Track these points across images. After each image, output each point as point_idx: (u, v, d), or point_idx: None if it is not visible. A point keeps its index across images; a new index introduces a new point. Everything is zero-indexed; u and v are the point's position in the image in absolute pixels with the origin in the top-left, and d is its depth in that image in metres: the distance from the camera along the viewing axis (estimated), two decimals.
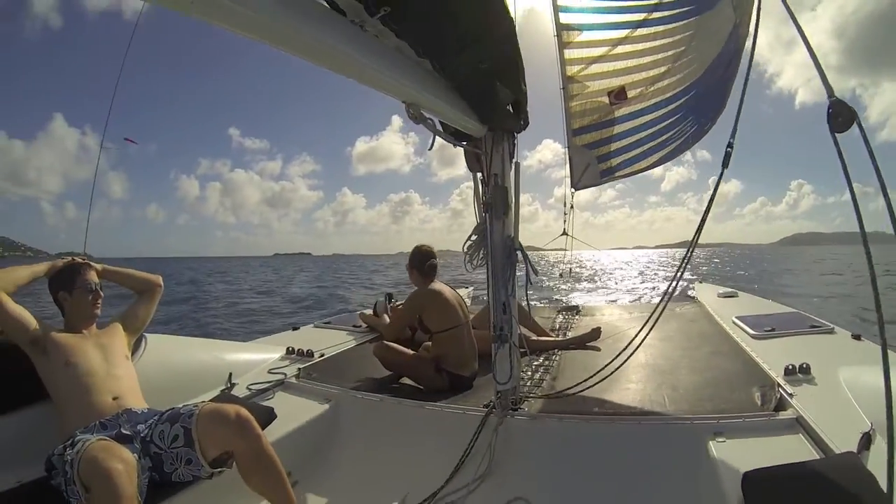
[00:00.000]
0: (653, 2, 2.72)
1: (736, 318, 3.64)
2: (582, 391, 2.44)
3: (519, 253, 2.30)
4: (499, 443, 2.18)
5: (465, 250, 2.39)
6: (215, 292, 24.30)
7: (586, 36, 3.01)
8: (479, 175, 2.36)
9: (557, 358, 3.41)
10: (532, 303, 3.57)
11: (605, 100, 3.26)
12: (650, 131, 3.36)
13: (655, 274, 37.11)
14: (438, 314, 3.07)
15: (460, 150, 2.35)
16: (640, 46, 2.92)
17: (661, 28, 2.76)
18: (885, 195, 1.16)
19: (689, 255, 2.11)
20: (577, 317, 5.03)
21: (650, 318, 2.19)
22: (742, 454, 1.77)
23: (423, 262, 3.22)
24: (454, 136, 2.20)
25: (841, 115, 1.23)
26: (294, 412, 2.49)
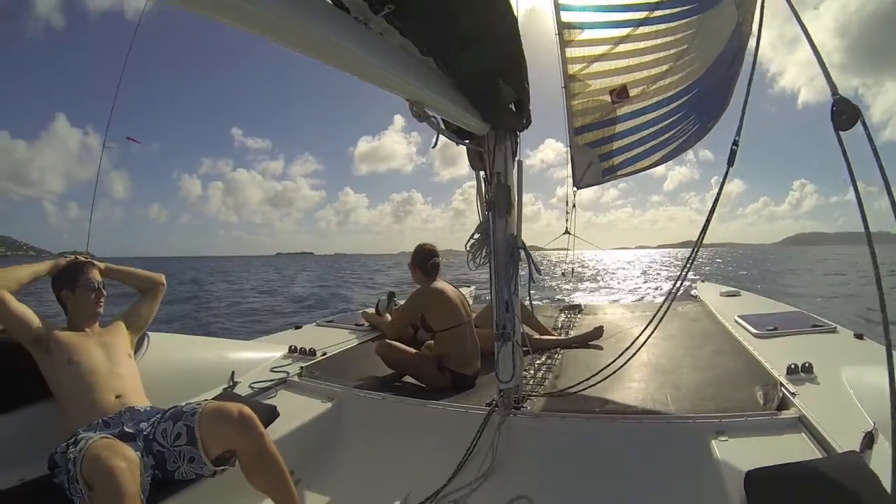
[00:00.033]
0: (654, 0, 2.71)
1: (738, 317, 3.64)
2: (585, 390, 2.44)
3: (522, 251, 2.31)
4: (501, 441, 2.18)
5: (468, 249, 2.39)
6: (217, 292, 24.30)
7: (588, 34, 3.01)
8: (481, 173, 2.36)
9: (560, 357, 3.41)
10: (534, 302, 3.57)
11: (607, 98, 3.26)
12: (652, 130, 3.36)
13: (658, 274, 37.06)
14: (441, 313, 3.07)
15: (462, 150, 2.35)
16: (641, 45, 2.92)
17: (662, 26, 2.75)
18: (890, 194, 1.16)
19: (693, 254, 2.11)
20: (579, 316, 5.04)
21: (654, 317, 2.18)
22: (744, 453, 1.77)
23: (425, 260, 3.22)
24: (457, 134, 2.20)
25: (845, 112, 1.23)
26: (296, 411, 2.49)
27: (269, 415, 2.26)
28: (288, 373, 2.94)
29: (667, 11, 2.66)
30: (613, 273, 39.06)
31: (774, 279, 27.82)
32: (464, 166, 2.43)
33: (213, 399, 2.10)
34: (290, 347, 3.37)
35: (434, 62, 1.80)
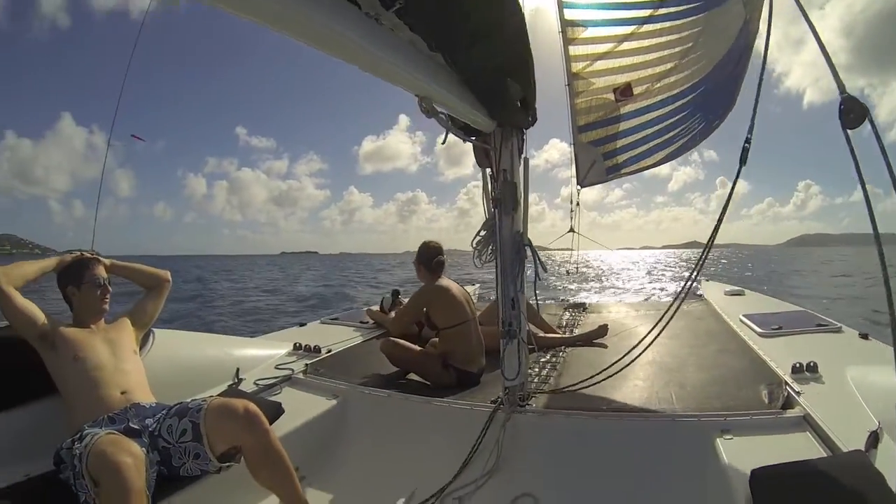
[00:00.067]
0: None
1: (743, 316, 3.63)
2: (589, 387, 2.44)
3: (528, 249, 2.31)
4: (506, 439, 2.19)
5: (474, 246, 2.39)
6: (221, 290, 24.34)
7: (591, 32, 2.99)
8: (488, 171, 2.37)
9: (564, 355, 3.41)
10: (539, 300, 3.58)
11: (611, 96, 3.24)
12: (656, 128, 3.34)
13: (662, 274, 36.94)
14: (445, 310, 3.07)
15: (467, 150, 2.36)
16: (645, 43, 2.90)
17: (667, 24, 2.74)
18: None
19: (704, 255, 2.10)
20: (583, 314, 5.05)
21: (661, 318, 2.18)
22: (749, 452, 1.77)
23: (430, 258, 3.22)
24: (463, 131, 2.20)
25: (853, 111, 1.23)
26: (301, 408, 2.50)
27: (274, 412, 2.27)
28: (293, 370, 2.94)
29: (672, 9, 2.64)
30: (618, 274, 38.95)
31: (780, 280, 27.67)
32: (468, 166, 2.44)
33: (218, 396, 2.11)
34: (295, 345, 3.38)
35: (443, 58, 1.80)
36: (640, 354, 2.33)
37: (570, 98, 3.37)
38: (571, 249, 4.95)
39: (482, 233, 2.39)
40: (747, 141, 1.68)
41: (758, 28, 2.50)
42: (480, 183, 2.48)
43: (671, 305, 2.14)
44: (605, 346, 3.60)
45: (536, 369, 3.01)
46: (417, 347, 3.10)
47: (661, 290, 22.25)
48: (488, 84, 1.98)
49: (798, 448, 1.76)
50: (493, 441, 2.18)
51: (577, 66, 3.18)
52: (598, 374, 2.42)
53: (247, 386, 2.70)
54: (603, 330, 3.78)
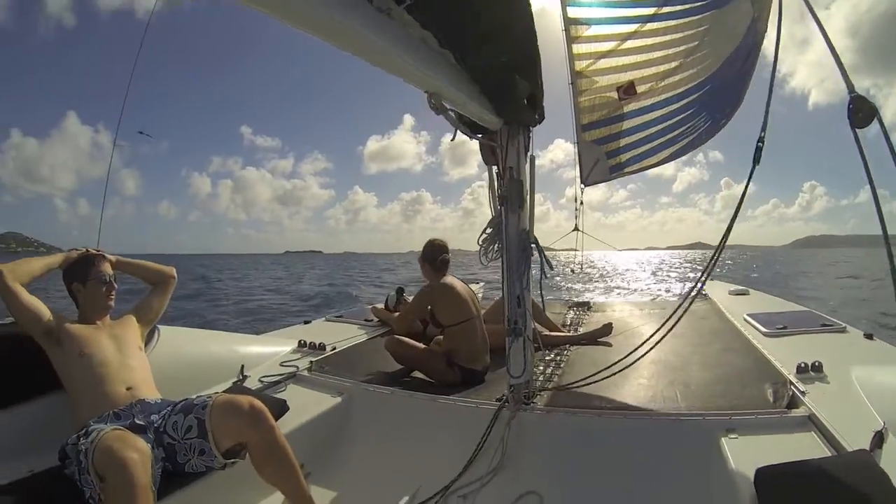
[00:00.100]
0: None
1: (747, 315, 3.63)
2: (595, 384, 2.44)
3: (534, 247, 2.31)
4: (511, 437, 2.19)
5: (480, 243, 2.40)
6: (225, 289, 24.39)
7: (595, 30, 2.97)
8: (494, 168, 2.37)
9: (569, 353, 3.41)
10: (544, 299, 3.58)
11: (614, 95, 3.23)
12: (660, 127, 3.33)
13: (667, 276, 36.81)
14: (450, 308, 3.08)
15: (472, 150, 2.37)
16: (650, 41, 2.89)
17: (672, 23, 2.72)
18: None
19: (716, 256, 2.09)
20: (588, 313, 5.05)
21: (669, 318, 2.19)
22: (754, 451, 1.77)
23: (435, 256, 3.23)
24: (470, 128, 2.21)
25: (861, 110, 1.23)
26: (306, 405, 2.51)
27: (279, 409, 2.27)
28: (297, 367, 2.95)
29: (677, 7, 2.63)
30: (622, 275, 38.83)
31: (786, 282, 27.48)
32: (473, 166, 2.45)
33: (223, 392, 2.12)
34: (300, 342, 3.39)
35: (453, 56, 1.81)
36: (645, 353, 2.33)
37: (573, 96, 3.36)
38: (576, 250, 4.94)
39: (488, 230, 2.39)
40: (760, 140, 1.67)
41: (766, 27, 2.49)
42: (485, 183, 2.48)
43: (679, 306, 2.14)
44: (609, 345, 3.59)
45: (541, 367, 3.01)
46: (422, 345, 3.11)
47: (667, 291, 22.16)
48: (497, 81, 1.98)
49: (803, 447, 1.76)
50: (497, 439, 2.18)
51: (580, 65, 3.17)
52: (602, 370, 2.42)
53: (251, 383, 2.71)
54: (607, 328, 3.78)
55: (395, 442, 2.44)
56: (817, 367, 2.32)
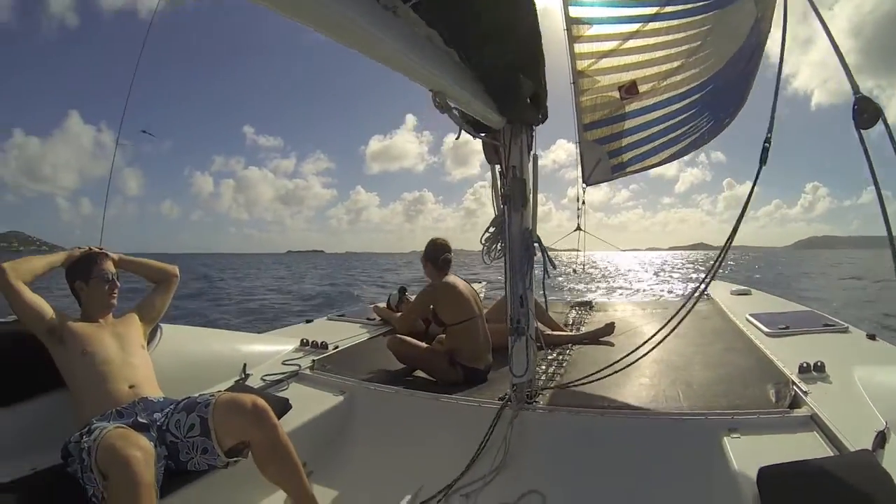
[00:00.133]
0: None
1: (750, 315, 3.62)
2: (598, 380, 2.44)
3: (536, 246, 2.31)
4: (514, 436, 2.19)
5: (483, 242, 2.40)
6: (227, 288, 24.42)
7: (596, 29, 2.97)
8: (497, 167, 2.38)
9: (571, 353, 3.41)
10: (545, 298, 3.58)
11: (616, 94, 3.24)
12: (662, 126, 3.33)
13: (670, 276, 36.74)
14: (452, 307, 3.08)
15: (474, 150, 2.37)
16: (651, 41, 2.89)
17: (674, 22, 2.72)
18: None
19: (721, 256, 2.09)
20: (590, 312, 5.05)
21: (672, 318, 2.18)
22: (757, 450, 1.76)
23: (437, 255, 3.23)
24: (473, 127, 2.21)
25: (866, 111, 1.23)
26: (308, 403, 2.51)
27: (282, 407, 2.27)
28: (300, 366, 2.95)
29: (679, 7, 2.63)
30: (625, 275, 38.76)
31: (789, 283, 27.41)
32: (475, 166, 2.45)
33: (226, 391, 2.12)
34: (302, 341, 3.39)
35: (457, 54, 1.81)
36: (648, 352, 2.33)
37: (575, 96, 3.36)
38: (578, 250, 4.94)
39: (491, 229, 2.39)
40: (767, 140, 1.67)
41: (769, 27, 2.49)
42: (487, 183, 2.48)
43: (682, 306, 2.14)
44: (611, 345, 3.59)
45: (543, 367, 3.01)
46: (424, 344, 3.11)
47: (669, 292, 22.11)
48: (501, 80, 1.98)
49: (805, 447, 1.76)
50: (500, 438, 2.18)
51: (582, 64, 3.17)
52: (604, 369, 2.42)
53: (254, 381, 2.71)
54: (610, 328, 3.78)
55: (397, 441, 2.44)
56: (820, 367, 2.31)
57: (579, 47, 3.09)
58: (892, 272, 1.21)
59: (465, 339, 3.00)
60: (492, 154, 2.36)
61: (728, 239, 2.01)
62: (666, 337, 2.28)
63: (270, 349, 3.20)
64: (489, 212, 2.45)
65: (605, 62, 3.11)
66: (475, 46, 1.79)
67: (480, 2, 1.62)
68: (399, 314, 3.89)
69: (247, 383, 2.67)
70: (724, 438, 1.90)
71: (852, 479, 1.36)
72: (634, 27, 2.86)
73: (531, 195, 2.33)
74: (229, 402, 1.84)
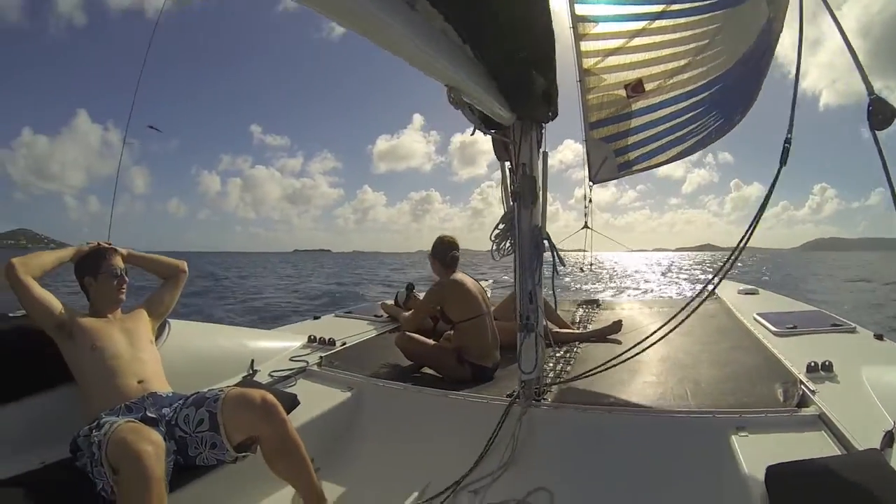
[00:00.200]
0: None
1: (757, 314, 3.61)
2: (607, 370, 2.44)
3: (546, 243, 2.31)
4: (522, 432, 2.19)
5: (493, 239, 2.40)
6: (234, 287, 24.51)
7: (602, 27, 2.96)
8: (507, 164, 2.38)
9: (578, 350, 3.41)
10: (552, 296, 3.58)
11: (622, 93, 3.22)
12: (669, 125, 3.32)
13: (677, 278, 36.54)
14: (460, 304, 3.08)
15: (481, 150, 2.39)
16: (658, 38, 2.87)
17: (682, 20, 2.71)
18: None
19: (735, 256, 2.07)
20: (597, 310, 5.06)
21: (678, 313, 2.18)
22: (765, 449, 1.76)
23: (445, 252, 3.23)
24: (483, 123, 2.22)
25: (881, 112, 1.23)
26: (316, 399, 2.51)
27: (290, 403, 2.28)
28: (307, 362, 2.96)
29: (686, 5, 2.61)
30: (632, 276, 38.58)
31: (797, 285, 27.24)
32: (483, 165, 2.45)
33: (234, 386, 2.12)
34: (310, 337, 3.40)
35: (472, 50, 1.81)
36: (656, 342, 2.32)
37: (581, 94, 3.36)
38: (584, 251, 4.94)
39: (500, 226, 2.40)
40: (787, 141, 1.64)
41: (782, 27, 2.48)
42: (494, 183, 2.48)
43: (692, 298, 2.13)
44: (619, 343, 3.58)
45: (551, 364, 3.01)
46: (432, 342, 3.11)
47: (678, 294, 21.99)
48: (514, 77, 1.97)
49: (813, 446, 1.75)
50: (508, 435, 2.19)
51: (588, 62, 3.16)
52: (612, 360, 2.42)
53: (261, 377, 2.72)
54: (617, 326, 3.78)
55: (405, 437, 2.45)
56: (827, 367, 2.31)
57: (585, 45, 3.08)
58: None
59: (473, 336, 3.00)
60: (502, 151, 2.36)
61: (743, 239, 1.97)
62: (675, 328, 2.27)
63: (278, 345, 3.21)
64: (496, 212, 2.46)
65: (612, 60, 3.09)
66: (490, 41, 1.79)
67: (493, 2, 1.62)
68: (406, 312, 3.90)
69: (255, 379, 2.68)
70: (732, 437, 1.89)
71: (861, 479, 1.35)
72: (640, 25, 2.85)
73: (541, 192, 2.33)
74: (239, 397, 1.84)
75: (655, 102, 3.23)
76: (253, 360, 2.83)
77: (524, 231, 2.29)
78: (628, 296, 21.81)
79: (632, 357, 2.38)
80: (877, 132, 1.25)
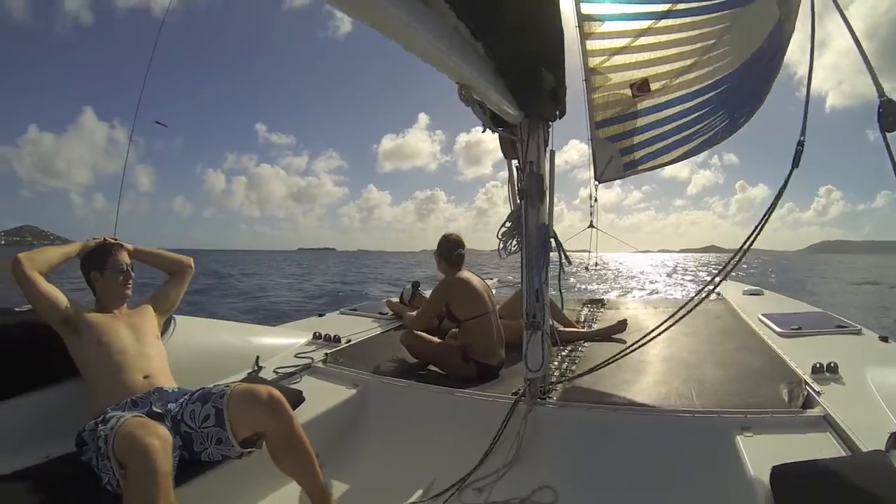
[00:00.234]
0: None
1: (762, 315, 3.60)
2: (614, 362, 2.44)
3: (553, 241, 2.31)
4: (527, 431, 2.19)
5: (499, 237, 2.40)
6: (239, 285, 24.55)
7: (608, 26, 2.95)
8: (514, 162, 2.38)
9: (583, 349, 3.41)
10: (557, 295, 3.58)
11: (628, 92, 3.22)
12: (675, 124, 3.31)
13: (682, 279, 36.41)
14: (466, 302, 3.07)
15: (487, 149, 2.40)
16: (664, 38, 2.86)
17: (687, 20, 2.70)
18: None
19: (740, 255, 2.07)
20: (602, 310, 5.05)
21: (681, 308, 2.17)
22: (769, 449, 1.76)
23: (451, 251, 3.22)
24: (491, 121, 2.22)
25: (892, 114, 1.22)
26: (321, 396, 2.51)
27: (295, 399, 2.27)
28: (312, 359, 2.96)
29: (692, 5, 2.60)
30: (637, 277, 38.44)
31: (802, 287, 27.09)
32: (488, 165, 2.45)
33: (240, 382, 2.13)
34: (315, 334, 3.41)
35: (483, 47, 1.81)
36: (660, 334, 2.31)
37: (587, 93, 3.35)
38: (589, 251, 4.93)
39: (507, 224, 2.40)
40: (800, 143, 1.63)
41: (793, 28, 2.46)
42: (500, 183, 2.48)
43: (697, 292, 2.13)
44: (623, 342, 3.57)
45: (556, 363, 3.01)
46: (437, 340, 3.11)
47: (684, 296, 21.89)
48: (524, 74, 1.97)
49: (818, 447, 1.75)
50: (513, 433, 2.19)
51: (594, 62, 3.15)
52: (617, 355, 2.42)
53: (266, 374, 2.72)
54: (622, 325, 3.77)
55: (409, 434, 2.45)
56: (832, 368, 2.30)
57: (591, 44, 3.07)
58: None
59: (479, 334, 3.00)
60: (509, 149, 2.36)
61: (750, 237, 1.96)
62: (679, 320, 2.26)
63: (283, 342, 3.22)
64: (501, 211, 2.46)
65: (617, 59, 3.09)
66: (501, 39, 1.79)
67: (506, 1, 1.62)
68: (411, 311, 3.90)
69: (260, 375, 2.68)
70: (737, 437, 1.89)
71: (866, 480, 1.34)
72: (646, 24, 2.84)
73: (548, 190, 2.33)
74: (245, 393, 1.84)
75: (661, 102, 3.23)
76: (258, 357, 2.83)
77: (531, 229, 2.29)
78: (633, 296, 21.78)
79: (636, 349, 2.38)
80: (887, 134, 1.25)
